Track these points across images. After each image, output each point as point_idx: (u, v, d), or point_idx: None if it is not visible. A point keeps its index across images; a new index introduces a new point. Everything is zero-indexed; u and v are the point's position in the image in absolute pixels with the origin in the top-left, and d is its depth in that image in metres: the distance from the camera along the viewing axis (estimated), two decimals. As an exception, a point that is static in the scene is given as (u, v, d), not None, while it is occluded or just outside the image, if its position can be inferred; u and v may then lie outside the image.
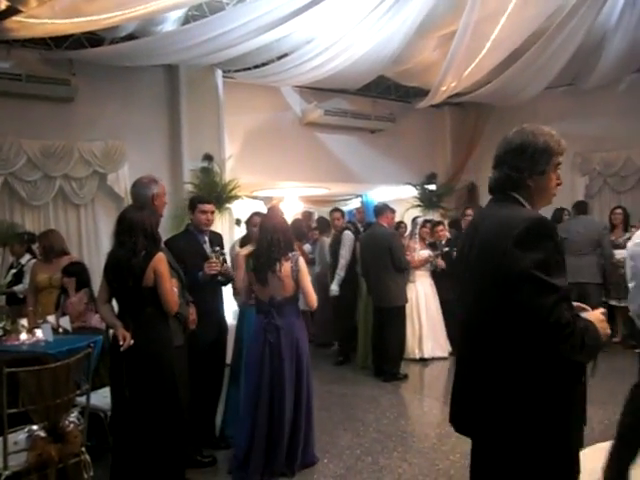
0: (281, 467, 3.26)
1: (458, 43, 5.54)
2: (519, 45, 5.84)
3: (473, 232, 1.66)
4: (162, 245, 3.00)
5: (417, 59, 6.78)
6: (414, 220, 6.28)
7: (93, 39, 5.93)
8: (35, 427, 2.59)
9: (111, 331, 2.96)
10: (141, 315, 2.73)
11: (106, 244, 6.29)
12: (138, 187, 3.26)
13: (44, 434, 2.56)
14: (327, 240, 6.97)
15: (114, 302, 2.95)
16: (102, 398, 3.36)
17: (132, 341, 2.66)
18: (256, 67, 6.80)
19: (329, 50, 6.23)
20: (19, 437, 2.63)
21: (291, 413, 3.27)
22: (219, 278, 3.64)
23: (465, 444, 3.58)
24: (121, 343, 2.64)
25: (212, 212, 3.76)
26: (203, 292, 3.51)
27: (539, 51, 5.96)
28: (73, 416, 2.76)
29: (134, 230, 2.71)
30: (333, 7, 5.38)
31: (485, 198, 6.91)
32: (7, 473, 2.47)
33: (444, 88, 6.67)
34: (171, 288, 2.80)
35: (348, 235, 6.09)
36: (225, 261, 3.66)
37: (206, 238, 3.72)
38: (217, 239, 3.89)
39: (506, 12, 5.23)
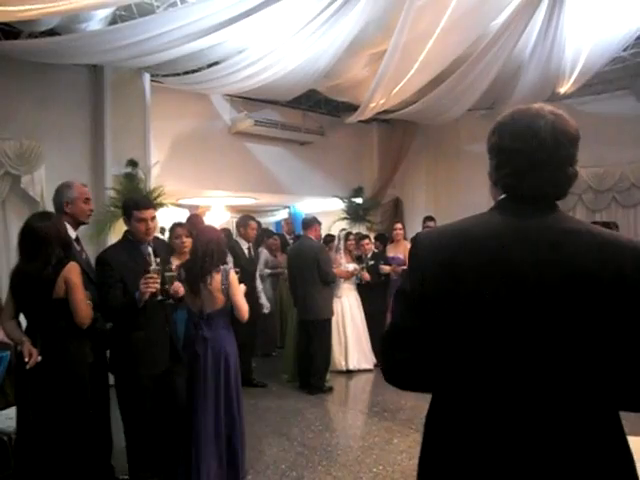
0: None
1: (387, 63, 5.72)
2: (444, 68, 6.12)
3: (520, 256, 1.18)
4: (84, 255, 2.85)
5: (347, 75, 6.92)
6: (339, 234, 6.39)
7: (8, 31, 5.56)
8: None
9: (19, 347, 2.76)
10: (52, 330, 2.57)
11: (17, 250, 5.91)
12: (54, 195, 3.09)
13: None
14: (264, 250, 6.94)
15: (22, 318, 2.76)
16: (5, 420, 3.11)
17: (39, 357, 2.49)
18: (186, 73, 6.66)
19: (260, 61, 6.22)
20: None
21: (214, 426, 3.19)
22: (160, 298, 3.01)
23: (388, 455, 3.68)
24: (26, 360, 2.46)
25: (152, 218, 3.09)
26: (150, 316, 2.98)
27: (462, 76, 6.27)
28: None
29: (41, 241, 2.55)
30: (266, 19, 5.39)
31: (410, 213, 7.20)
32: None
33: (373, 105, 6.85)
34: (83, 299, 2.65)
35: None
36: (172, 277, 3.07)
37: (150, 249, 3.06)
38: (163, 247, 3.44)
39: (433, 36, 5.46)
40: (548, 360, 1.15)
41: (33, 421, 2.51)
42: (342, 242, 6.12)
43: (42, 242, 2.55)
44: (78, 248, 3.09)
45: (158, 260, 2.99)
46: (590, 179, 8.03)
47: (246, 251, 5.67)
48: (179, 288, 3.13)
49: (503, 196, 1.29)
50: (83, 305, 2.63)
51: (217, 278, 3.25)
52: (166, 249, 3.48)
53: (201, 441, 3.15)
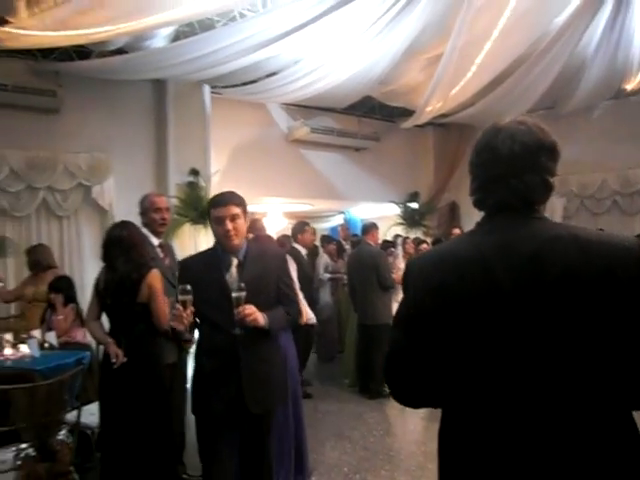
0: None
1: (444, 66, 5.68)
2: (503, 69, 6.02)
3: (505, 263, 1.19)
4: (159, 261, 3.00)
5: (403, 80, 6.92)
6: (395, 239, 6.37)
7: (81, 51, 5.91)
8: (23, 446, 2.54)
9: (101, 347, 2.93)
10: (133, 332, 2.72)
11: (89, 257, 6.24)
12: None
13: (33, 453, 2.51)
14: (324, 255, 7.04)
15: (104, 319, 2.93)
16: (89, 415, 3.31)
17: (125, 358, 2.64)
18: (244, 84, 6.86)
19: (317, 71, 6.33)
20: (6, 456, 2.57)
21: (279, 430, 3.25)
22: (185, 336, 2.38)
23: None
24: (114, 360, 2.62)
25: (234, 218, 2.32)
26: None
27: (522, 76, 6.14)
28: (62, 434, 2.72)
29: (127, 247, 2.71)
30: (322, 30, 5.48)
31: (467, 217, 7.09)
32: (-7, 493, 2.42)
33: (429, 109, 6.82)
34: (163, 304, 2.80)
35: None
36: (239, 299, 2.19)
37: (235, 261, 2.35)
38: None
39: (491, 38, 5.39)
40: (546, 369, 1.14)
41: (115, 417, 2.66)
42: (400, 247, 6.11)
43: (122, 248, 2.71)
44: (161, 255, 3.25)
45: (187, 287, 2.15)
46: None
47: (305, 257, 5.75)
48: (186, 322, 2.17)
49: (483, 213, 1.34)
50: (163, 310, 2.78)
51: None
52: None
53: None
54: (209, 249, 2.48)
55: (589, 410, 1.13)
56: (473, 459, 1.22)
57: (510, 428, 1.16)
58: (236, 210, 2.34)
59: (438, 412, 4.27)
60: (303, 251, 5.75)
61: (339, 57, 6.09)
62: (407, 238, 6.48)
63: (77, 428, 2.92)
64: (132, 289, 2.67)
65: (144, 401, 2.69)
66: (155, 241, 3.24)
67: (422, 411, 5.01)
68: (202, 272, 2.32)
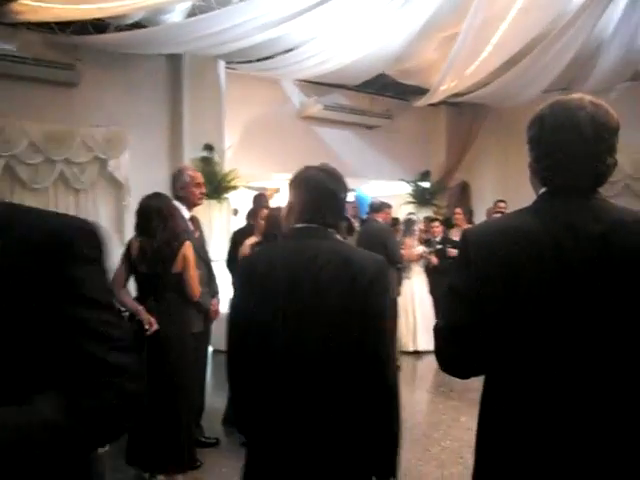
0: None
1: (460, 45, 5.67)
2: (520, 49, 5.99)
3: (571, 245, 1.21)
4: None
5: (418, 59, 6.91)
6: (410, 218, 6.42)
7: (98, 25, 5.95)
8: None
9: (125, 314, 3.07)
10: (164, 300, 2.85)
11: (106, 230, 6.39)
12: (172, 179, 3.38)
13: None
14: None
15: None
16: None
17: (157, 325, 2.77)
18: (259, 60, 6.87)
19: (333, 47, 6.34)
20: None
21: None
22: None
23: (455, 431, 3.77)
24: (147, 327, 2.75)
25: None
26: None
27: (538, 56, 6.11)
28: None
29: (165, 217, 2.82)
30: (339, 6, 5.48)
31: (477, 197, 7.10)
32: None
33: (444, 87, 6.81)
34: (195, 275, 2.93)
35: None
36: None
37: None
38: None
39: (508, 18, 5.37)
40: (605, 352, 1.17)
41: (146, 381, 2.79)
42: (416, 225, 6.18)
43: (161, 218, 2.82)
44: (192, 228, 3.37)
45: None
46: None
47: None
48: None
49: (544, 189, 1.32)
50: (195, 280, 2.91)
51: None
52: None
53: None
54: None
55: (635, 397, 1.17)
56: (521, 432, 1.24)
57: (564, 407, 1.19)
58: None
59: (442, 386, 4.47)
60: None
61: (356, 34, 6.09)
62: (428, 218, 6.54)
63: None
64: (169, 258, 2.79)
65: (171, 367, 2.83)
66: (187, 214, 3.35)
67: (428, 385, 5.16)
68: None
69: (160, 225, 2.80)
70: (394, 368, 1.75)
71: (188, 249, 2.89)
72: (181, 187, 3.32)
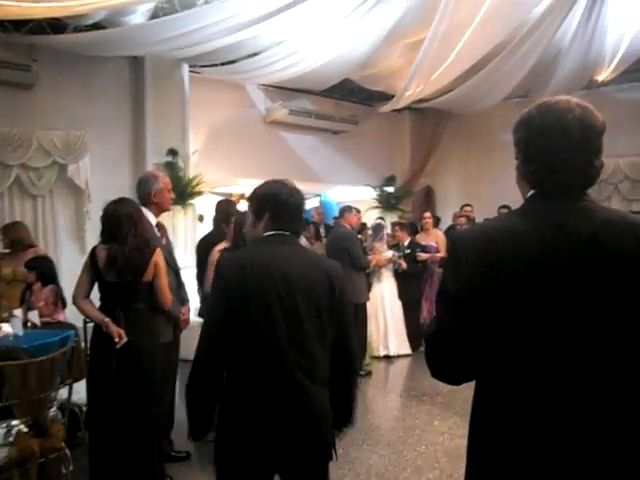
0: None
1: (426, 51, 5.75)
2: (483, 56, 6.12)
3: (564, 247, 1.21)
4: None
5: (383, 64, 6.97)
6: (379, 223, 6.45)
7: (55, 25, 5.74)
8: (15, 422, 2.54)
9: (88, 326, 2.94)
10: (132, 310, 2.73)
11: (64, 237, 6.16)
12: (138, 184, 3.27)
13: (26, 429, 2.52)
14: (302, 237, 7.08)
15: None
16: (75, 393, 3.31)
17: (125, 338, 2.65)
18: (223, 64, 6.78)
19: (298, 52, 6.32)
20: (-2, 432, 2.57)
21: None
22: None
23: (430, 435, 3.79)
24: (117, 340, 2.63)
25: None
26: None
27: (500, 64, 6.26)
28: (52, 411, 2.73)
29: (135, 223, 2.71)
30: (305, 11, 5.46)
31: (441, 202, 7.23)
32: (-15, 469, 2.41)
33: (409, 93, 6.89)
34: (167, 283, 2.83)
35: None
36: None
37: None
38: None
39: (473, 24, 5.47)
40: (598, 352, 1.17)
41: (106, 395, 2.67)
42: (385, 230, 6.22)
43: (131, 224, 2.69)
44: (159, 234, 3.26)
45: None
46: (627, 169, 7.92)
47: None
48: None
49: (532, 192, 1.31)
50: (167, 289, 2.80)
51: None
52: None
53: None
54: None
55: (630, 398, 1.18)
56: (513, 438, 1.22)
57: (557, 410, 1.19)
58: None
59: (416, 390, 4.46)
60: None
61: (321, 39, 6.09)
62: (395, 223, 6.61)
63: (68, 405, 2.93)
64: (141, 266, 2.68)
65: (139, 379, 2.71)
66: (153, 220, 3.24)
67: (400, 389, 5.17)
68: None
69: (131, 231, 2.68)
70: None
71: (159, 256, 2.79)
72: (156, 193, 3.22)
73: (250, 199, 1.94)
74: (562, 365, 1.18)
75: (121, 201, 2.86)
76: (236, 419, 1.75)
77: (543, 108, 1.28)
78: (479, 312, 1.23)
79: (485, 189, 8.64)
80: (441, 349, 1.30)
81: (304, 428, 1.76)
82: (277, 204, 1.84)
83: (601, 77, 7.24)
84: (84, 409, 3.25)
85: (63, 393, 3.11)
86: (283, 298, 1.73)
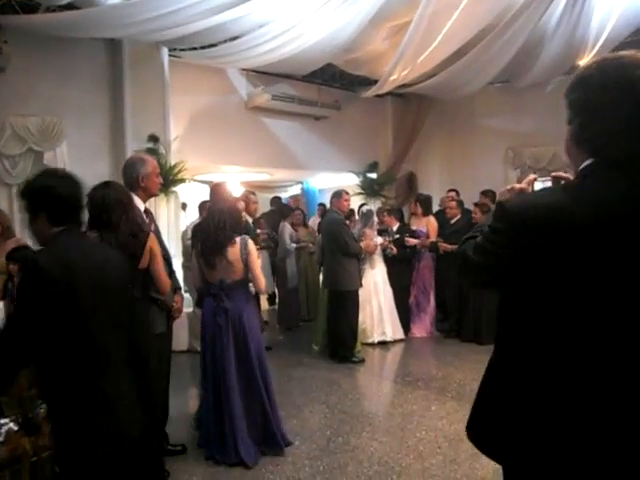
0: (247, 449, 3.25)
1: (412, 34, 5.66)
2: (467, 41, 6.06)
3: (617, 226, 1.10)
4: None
5: (366, 48, 6.85)
6: (369, 209, 6.38)
7: (27, 5, 5.46)
8: (4, 420, 2.41)
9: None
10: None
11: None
12: (125, 168, 3.12)
13: (16, 427, 2.38)
14: (287, 225, 7.02)
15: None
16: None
17: None
18: (203, 48, 6.58)
19: (282, 36, 6.14)
20: (-13, 431, 2.43)
21: (240, 396, 3.26)
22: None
23: (429, 421, 3.76)
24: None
25: None
26: None
27: (485, 48, 6.21)
28: (43, 408, 2.59)
29: (126, 208, 2.57)
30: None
31: (424, 187, 7.26)
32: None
33: (394, 77, 6.80)
34: (163, 268, 2.70)
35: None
36: None
37: None
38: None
39: (460, 7, 5.40)
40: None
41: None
42: (374, 216, 6.15)
43: (123, 210, 2.55)
44: (147, 220, 3.11)
45: None
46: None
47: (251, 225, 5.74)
48: None
49: (590, 161, 1.15)
50: (164, 273, 2.67)
51: (235, 248, 3.23)
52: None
53: (234, 417, 3.20)
54: None
55: None
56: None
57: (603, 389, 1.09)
58: None
59: (410, 376, 4.44)
60: (249, 219, 5.70)
61: (304, 22, 5.93)
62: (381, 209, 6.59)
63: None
64: (138, 252, 2.54)
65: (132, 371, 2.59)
66: (141, 206, 3.10)
67: (394, 375, 5.14)
68: None
69: (122, 217, 2.54)
70: None
71: (153, 241, 2.67)
72: (144, 177, 3.07)
73: (23, 196, 1.79)
74: (614, 345, 1.09)
75: (107, 185, 2.70)
76: None
77: (605, 64, 1.14)
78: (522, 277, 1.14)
79: (467, 174, 8.65)
80: (473, 274, 1.30)
81: None
82: (52, 199, 1.73)
83: (582, 62, 7.25)
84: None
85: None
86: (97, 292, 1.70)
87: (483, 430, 1.27)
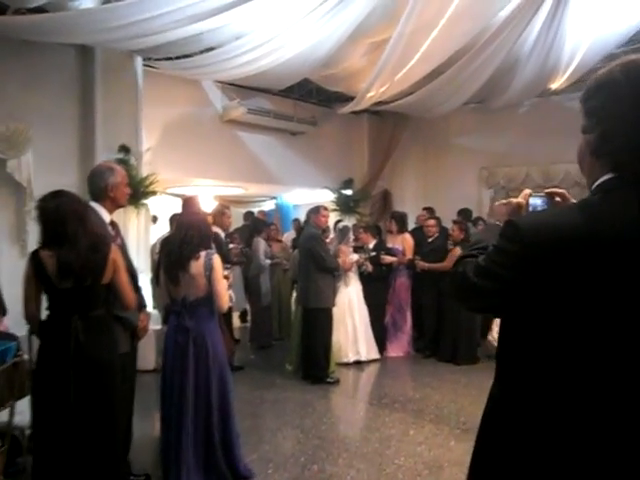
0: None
1: (391, 51, 5.65)
2: (444, 61, 6.09)
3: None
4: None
5: (344, 64, 6.83)
6: (345, 225, 6.31)
7: (-7, 7, 5.26)
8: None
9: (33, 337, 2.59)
10: (90, 318, 2.41)
11: (3, 238, 5.63)
12: (91, 177, 2.93)
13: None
14: (261, 240, 6.87)
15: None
16: (16, 414, 2.93)
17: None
18: (178, 58, 6.45)
19: (259, 48, 6.06)
20: None
21: (192, 425, 3.02)
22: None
23: (407, 446, 3.64)
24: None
25: None
26: None
27: (461, 69, 6.26)
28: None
29: (83, 219, 2.38)
30: (267, 4, 5.25)
31: (398, 205, 7.25)
32: None
33: (371, 94, 6.78)
34: (128, 281, 2.52)
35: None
36: None
37: None
38: None
39: (438, 26, 5.42)
40: None
41: (57, 414, 2.33)
42: (350, 233, 6.07)
43: (80, 221, 2.35)
44: (112, 232, 2.93)
45: None
46: (577, 175, 8.11)
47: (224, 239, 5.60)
48: None
49: (610, 175, 1.05)
50: (129, 287, 2.49)
51: (199, 264, 3.07)
52: None
53: (181, 443, 2.98)
54: None
55: None
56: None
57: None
58: None
59: (387, 398, 4.29)
60: (222, 234, 5.56)
61: (282, 36, 5.87)
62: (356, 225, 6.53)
63: (9, 429, 2.58)
64: (100, 267, 2.35)
65: (95, 395, 2.39)
66: (107, 217, 2.92)
67: (371, 397, 5.01)
68: None
69: (79, 229, 2.34)
70: None
71: (116, 253, 2.47)
72: (112, 187, 2.90)
73: None
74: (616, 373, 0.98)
75: (59, 194, 2.45)
76: None
77: (631, 67, 1.02)
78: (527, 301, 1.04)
79: (442, 192, 8.70)
80: (464, 296, 1.22)
81: None
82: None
83: (554, 85, 7.39)
84: (26, 432, 2.88)
85: (2, 416, 2.75)
86: None
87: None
